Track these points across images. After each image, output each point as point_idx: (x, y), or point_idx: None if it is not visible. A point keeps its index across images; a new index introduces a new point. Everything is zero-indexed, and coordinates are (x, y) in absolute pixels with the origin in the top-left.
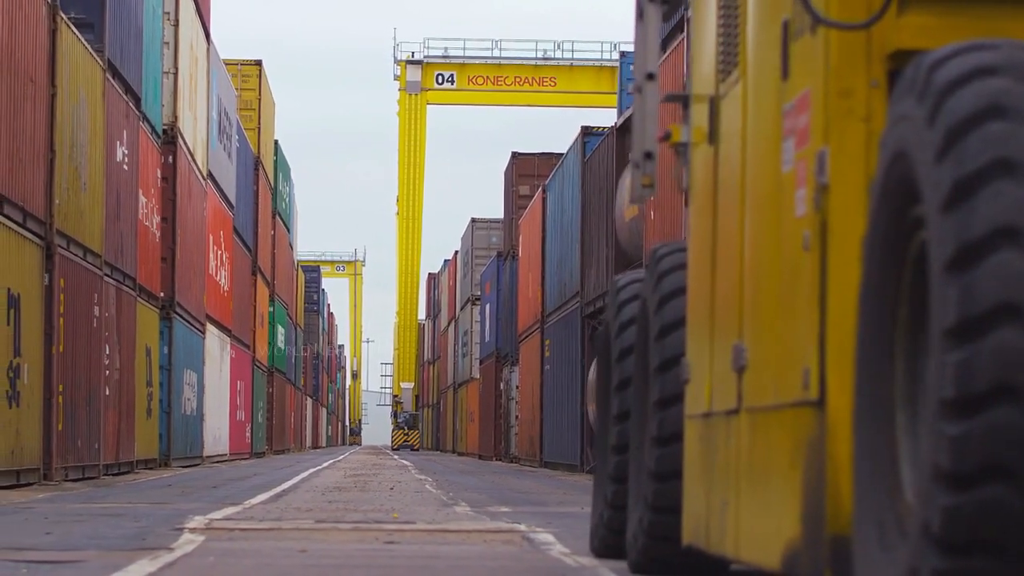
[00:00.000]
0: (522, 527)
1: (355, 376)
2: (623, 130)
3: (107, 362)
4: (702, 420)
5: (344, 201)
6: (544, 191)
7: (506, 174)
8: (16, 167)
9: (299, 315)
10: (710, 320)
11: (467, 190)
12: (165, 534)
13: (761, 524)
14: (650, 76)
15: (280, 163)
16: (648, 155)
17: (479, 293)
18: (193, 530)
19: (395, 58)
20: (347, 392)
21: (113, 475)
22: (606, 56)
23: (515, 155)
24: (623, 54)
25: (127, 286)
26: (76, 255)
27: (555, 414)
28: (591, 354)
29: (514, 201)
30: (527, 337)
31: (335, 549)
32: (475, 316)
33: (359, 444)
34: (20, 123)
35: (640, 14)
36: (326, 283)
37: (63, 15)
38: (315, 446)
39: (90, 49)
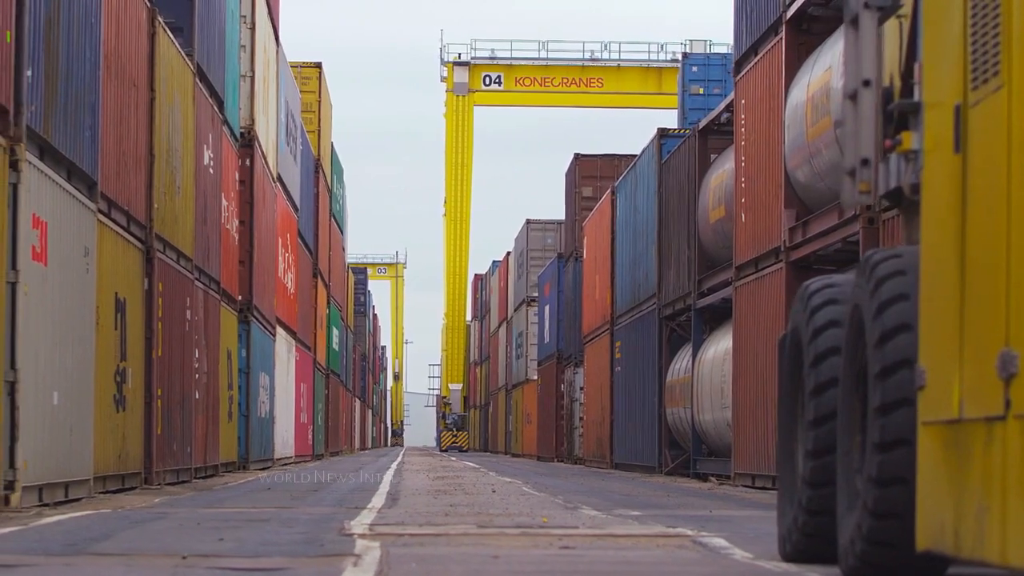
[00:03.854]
0: (688, 531)
1: (397, 377)
2: (705, 132)
3: (196, 365)
4: (947, 426)
5: (382, 204)
6: (613, 192)
7: (568, 176)
8: (121, 171)
9: (350, 317)
10: (958, 327)
11: (505, 190)
12: (336, 540)
13: None
14: (866, 83)
15: (335, 165)
16: (865, 161)
17: (536, 294)
18: (362, 536)
19: (442, 59)
20: (389, 393)
21: (201, 478)
22: (653, 57)
23: (577, 156)
24: (685, 55)
25: (212, 290)
26: (171, 259)
27: (627, 416)
28: (669, 355)
29: (576, 202)
30: (594, 338)
31: (522, 555)
32: (531, 317)
33: (401, 445)
34: (125, 127)
35: (854, 21)
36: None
37: (160, 19)
38: (362, 447)
39: (182, 53)
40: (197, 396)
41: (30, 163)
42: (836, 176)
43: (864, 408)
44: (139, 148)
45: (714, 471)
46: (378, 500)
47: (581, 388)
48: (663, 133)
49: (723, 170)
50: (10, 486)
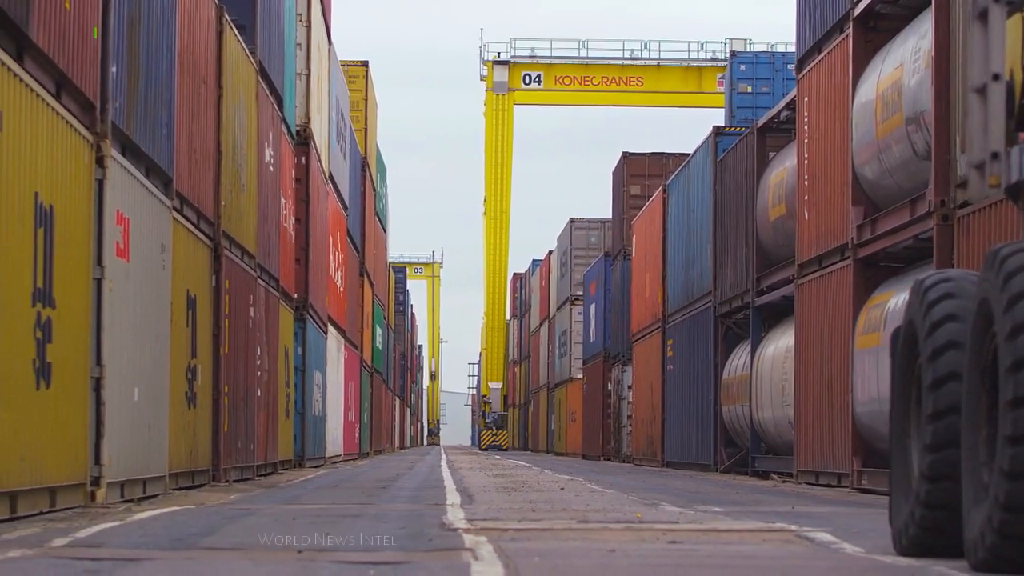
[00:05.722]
0: (792, 527)
1: (433, 377)
2: (764, 130)
3: (259, 363)
4: None
5: (418, 203)
6: (665, 190)
7: (615, 174)
8: (193, 168)
9: (391, 316)
10: None
11: (542, 189)
12: (442, 535)
13: None
14: (995, 77)
15: (379, 164)
16: (995, 155)
17: (580, 293)
18: (466, 531)
19: (482, 59)
20: (425, 392)
21: (261, 476)
22: (693, 56)
23: (626, 155)
24: (733, 54)
25: (272, 287)
26: (236, 256)
27: (680, 414)
28: (725, 353)
29: (624, 201)
30: (643, 337)
31: (636, 548)
32: (575, 316)
33: (437, 444)
34: (196, 124)
35: (982, 15)
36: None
37: (227, 17)
38: (401, 446)
39: (246, 51)
40: (259, 393)
41: (114, 159)
42: (906, 172)
43: (991, 402)
44: (208, 145)
45: (775, 468)
46: (453, 496)
47: (629, 386)
48: (719, 131)
49: (783, 167)
50: (96, 482)
